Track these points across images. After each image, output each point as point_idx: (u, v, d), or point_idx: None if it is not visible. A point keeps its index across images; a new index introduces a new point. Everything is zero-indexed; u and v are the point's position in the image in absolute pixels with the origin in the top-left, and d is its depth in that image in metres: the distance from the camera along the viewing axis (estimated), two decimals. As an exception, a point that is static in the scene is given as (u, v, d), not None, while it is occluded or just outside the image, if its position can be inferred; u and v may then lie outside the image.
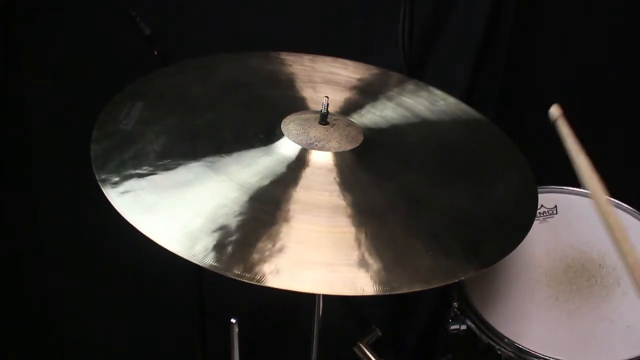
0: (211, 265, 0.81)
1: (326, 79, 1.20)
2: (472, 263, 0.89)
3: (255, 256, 0.82)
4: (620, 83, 1.69)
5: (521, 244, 0.94)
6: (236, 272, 0.80)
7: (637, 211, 1.36)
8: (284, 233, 0.86)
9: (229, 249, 0.83)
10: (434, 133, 1.14)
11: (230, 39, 1.53)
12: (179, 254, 0.81)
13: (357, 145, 1.00)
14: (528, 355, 1.11)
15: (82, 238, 1.63)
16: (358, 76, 1.23)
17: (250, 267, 0.81)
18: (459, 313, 1.21)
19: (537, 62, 1.70)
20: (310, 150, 0.98)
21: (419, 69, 1.53)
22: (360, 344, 1.21)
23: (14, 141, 1.55)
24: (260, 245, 0.84)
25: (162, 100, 1.09)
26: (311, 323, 1.16)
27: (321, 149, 0.98)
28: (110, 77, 1.26)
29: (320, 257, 0.84)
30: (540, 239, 1.30)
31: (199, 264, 0.81)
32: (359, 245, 0.86)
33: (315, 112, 1.04)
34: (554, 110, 0.84)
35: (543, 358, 1.10)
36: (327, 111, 1.01)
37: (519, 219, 0.98)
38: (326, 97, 1.00)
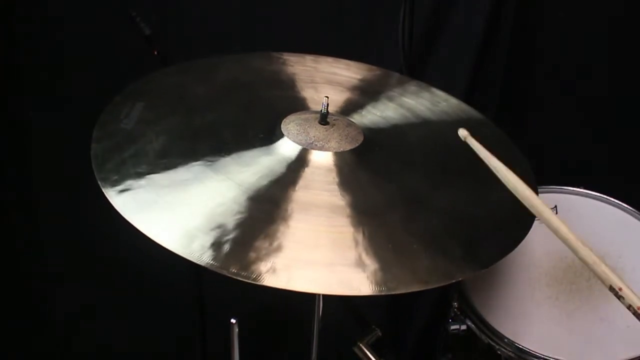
0: (208, 263, 0.81)
1: (328, 80, 1.20)
2: (471, 264, 0.89)
3: (252, 255, 0.82)
4: (620, 83, 1.69)
5: (521, 244, 0.94)
6: (232, 271, 0.80)
7: (637, 211, 1.36)
8: (282, 232, 0.86)
9: (226, 247, 0.83)
10: (435, 133, 1.14)
11: (230, 39, 1.53)
12: (176, 251, 0.82)
13: (357, 145, 1.00)
14: (528, 355, 1.11)
15: (82, 238, 1.63)
16: (360, 77, 1.23)
17: (246, 265, 0.81)
18: (459, 313, 1.21)
19: (537, 62, 1.70)
20: (310, 150, 0.98)
21: (419, 69, 1.53)
22: (360, 344, 1.21)
23: (14, 141, 1.55)
24: (257, 244, 0.84)
25: (163, 100, 1.09)
26: (311, 323, 1.16)
27: (321, 149, 0.98)
28: (110, 77, 1.26)
29: (317, 256, 0.84)
30: (540, 239, 1.29)
31: (195, 261, 0.81)
32: (357, 245, 0.86)
33: (316, 112, 1.04)
34: (462, 132, 0.93)
35: (543, 358, 1.10)
36: (327, 111, 1.01)
37: (519, 219, 0.98)
38: (326, 97, 1.00)
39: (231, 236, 0.84)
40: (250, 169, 0.95)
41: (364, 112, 1.13)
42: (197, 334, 1.55)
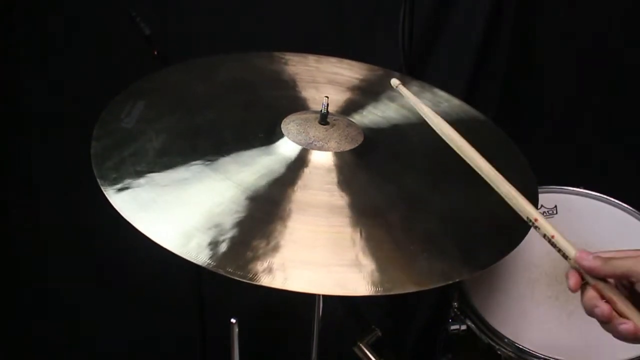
0: (204, 262, 0.81)
1: (329, 80, 1.20)
2: (468, 265, 0.89)
3: (249, 254, 0.82)
4: (620, 83, 1.69)
5: (521, 244, 0.94)
6: (229, 270, 0.80)
7: (637, 211, 1.36)
8: (279, 232, 0.86)
9: (223, 246, 0.83)
10: (435, 134, 1.13)
11: (230, 39, 1.53)
12: (172, 250, 0.82)
13: (356, 145, 1.00)
14: (528, 355, 1.11)
15: (82, 238, 1.63)
16: (361, 77, 1.23)
17: (243, 265, 0.81)
18: (459, 313, 1.21)
19: (537, 62, 1.70)
20: (309, 150, 0.98)
21: (419, 69, 1.53)
22: (360, 344, 1.21)
23: (14, 141, 1.55)
24: (254, 243, 0.84)
25: (164, 99, 1.09)
26: (311, 323, 1.16)
27: (320, 149, 0.98)
28: (110, 77, 1.26)
29: (314, 256, 0.84)
30: (540, 239, 1.29)
31: (192, 260, 0.81)
32: (354, 245, 0.86)
33: (316, 112, 1.04)
34: (394, 81, 0.97)
35: (543, 358, 1.10)
36: (327, 111, 1.01)
37: (517, 221, 0.98)
38: (326, 97, 1.00)
39: (229, 235, 0.84)
40: (249, 169, 0.95)
41: (364, 112, 1.13)
42: (197, 334, 1.55)
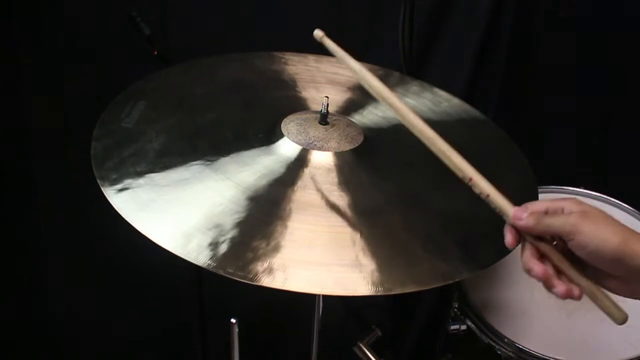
0: (204, 263, 0.81)
1: (330, 80, 1.20)
2: (468, 264, 0.89)
3: (249, 255, 0.82)
4: (620, 83, 1.69)
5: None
6: (229, 270, 0.80)
7: (637, 211, 1.36)
8: (279, 232, 0.86)
9: (223, 247, 0.83)
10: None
11: (230, 39, 1.53)
12: (172, 251, 0.82)
13: (356, 145, 1.00)
14: (528, 355, 1.11)
15: (82, 238, 1.63)
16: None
17: (243, 265, 0.81)
18: (459, 313, 1.21)
19: (537, 62, 1.70)
20: (309, 150, 0.98)
21: (419, 69, 1.53)
22: (360, 344, 1.22)
23: (14, 141, 1.55)
24: (254, 244, 0.84)
25: (165, 99, 1.09)
26: (311, 323, 1.17)
27: (320, 149, 0.98)
28: (110, 77, 1.26)
29: (315, 256, 0.84)
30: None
31: (192, 261, 0.81)
32: (354, 245, 0.86)
33: (316, 112, 1.04)
34: (317, 32, 0.92)
35: (543, 358, 1.10)
36: (327, 111, 1.01)
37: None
38: (326, 97, 1.00)
39: (229, 236, 0.84)
40: (249, 169, 0.95)
41: (365, 112, 1.13)
42: (197, 334, 1.55)
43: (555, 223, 0.78)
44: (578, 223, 0.77)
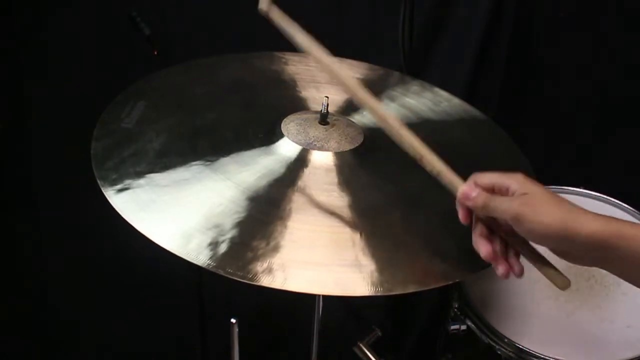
0: (204, 263, 0.81)
1: (330, 80, 1.20)
2: (468, 265, 0.89)
3: (249, 255, 0.82)
4: (620, 83, 1.69)
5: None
6: (229, 270, 0.80)
7: (637, 211, 1.36)
8: (279, 232, 0.86)
9: (223, 247, 0.83)
10: (436, 134, 1.13)
11: (230, 39, 1.53)
12: (172, 251, 0.82)
13: (357, 145, 1.00)
14: (528, 355, 1.11)
15: (82, 238, 1.63)
16: (361, 77, 1.23)
17: (243, 265, 0.81)
18: (459, 313, 1.21)
19: (537, 62, 1.70)
20: (309, 150, 0.98)
21: (419, 69, 1.53)
22: (360, 344, 1.21)
23: (14, 141, 1.55)
24: (254, 244, 0.84)
25: (165, 99, 1.09)
26: (311, 323, 1.17)
27: (320, 149, 0.98)
28: (111, 77, 1.26)
29: (314, 256, 0.84)
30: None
31: (192, 261, 0.81)
32: (354, 245, 0.86)
33: (316, 112, 1.04)
34: (263, 5, 0.88)
35: (543, 358, 1.10)
36: (327, 111, 1.01)
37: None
38: (326, 97, 1.00)
39: (228, 236, 0.84)
40: (249, 169, 0.95)
41: (365, 112, 1.13)
42: (197, 334, 1.55)
43: (499, 208, 0.80)
44: (519, 211, 0.78)
